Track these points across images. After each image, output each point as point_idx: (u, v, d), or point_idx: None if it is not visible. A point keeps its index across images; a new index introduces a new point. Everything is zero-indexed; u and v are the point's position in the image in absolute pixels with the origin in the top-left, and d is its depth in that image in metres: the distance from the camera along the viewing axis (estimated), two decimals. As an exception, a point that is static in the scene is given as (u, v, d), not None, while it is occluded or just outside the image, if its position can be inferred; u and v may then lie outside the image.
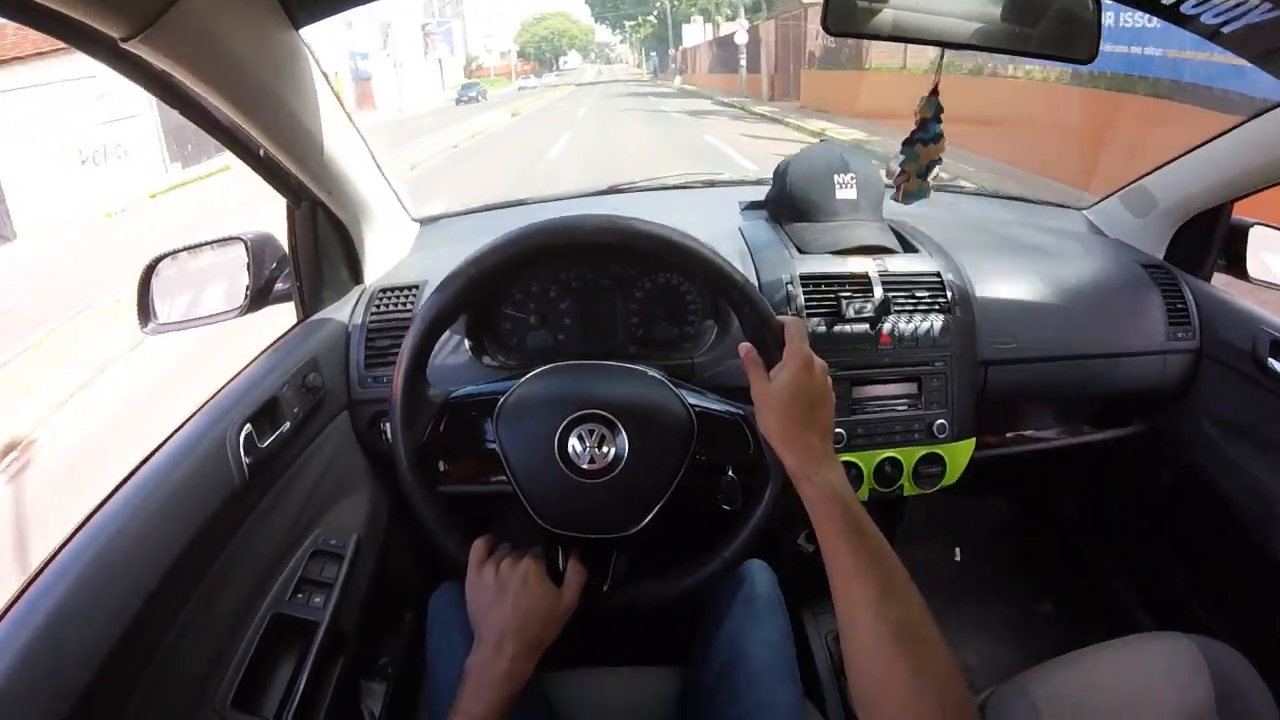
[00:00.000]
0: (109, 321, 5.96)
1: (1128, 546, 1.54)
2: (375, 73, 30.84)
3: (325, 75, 0.95)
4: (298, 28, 0.86)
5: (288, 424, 0.96)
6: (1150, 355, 1.26)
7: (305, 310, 1.14)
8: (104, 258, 8.64)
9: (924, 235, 1.26)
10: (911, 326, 1.13)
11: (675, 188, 1.70)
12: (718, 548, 0.83)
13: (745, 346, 0.78)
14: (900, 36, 0.89)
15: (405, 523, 1.23)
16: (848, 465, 1.12)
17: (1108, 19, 0.86)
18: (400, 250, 1.32)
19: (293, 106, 0.90)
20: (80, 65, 11.81)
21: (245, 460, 0.85)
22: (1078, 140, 7.39)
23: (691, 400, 0.84)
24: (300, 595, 0.93)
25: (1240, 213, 1.31)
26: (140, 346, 5.36)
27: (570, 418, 0.80)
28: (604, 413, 0.80)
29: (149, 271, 1.08)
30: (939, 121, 0.96)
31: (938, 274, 1.16)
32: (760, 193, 1.41)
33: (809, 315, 1.12)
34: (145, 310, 1.07)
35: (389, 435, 0.84)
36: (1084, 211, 1.52)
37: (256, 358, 1.02)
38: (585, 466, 0.79)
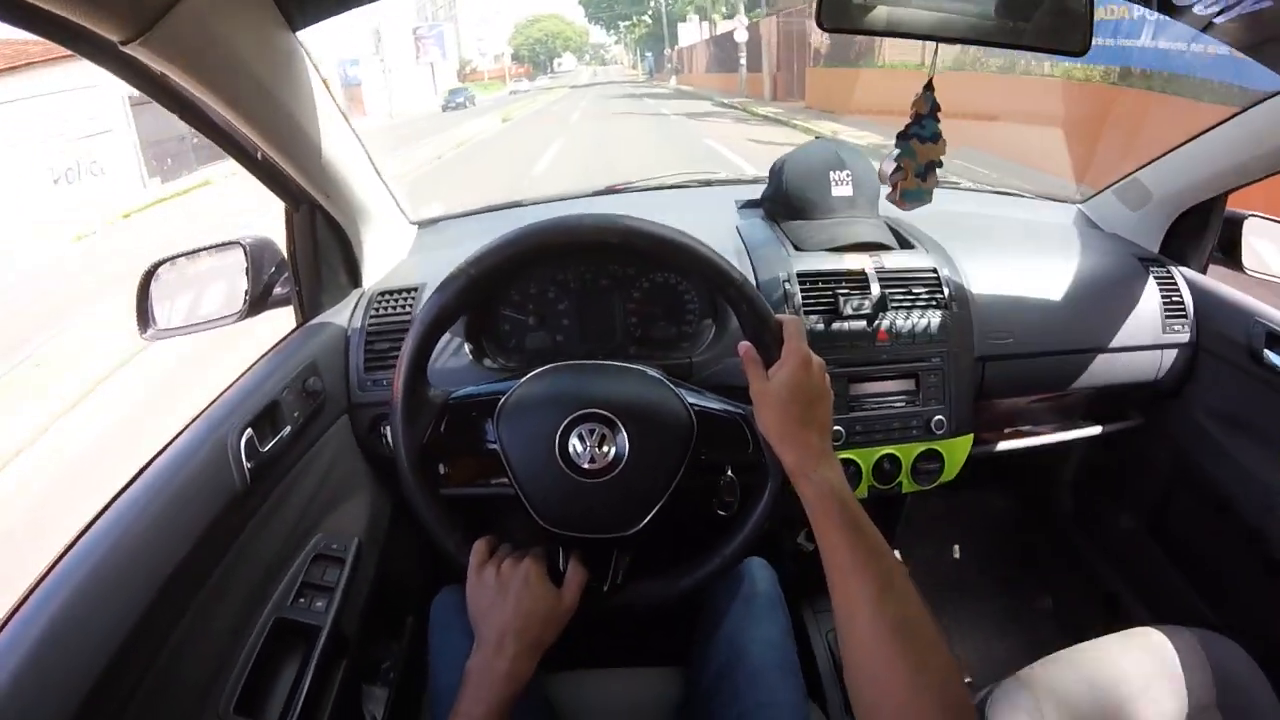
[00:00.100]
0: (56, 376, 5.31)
1: (1125, 540, 1.54)
2: (365, 78, 30.69)
3: (323, 78, 0.96)
4: (295, 30, 0.87)
5: (288, 428, 0.96)
6: (1146, 349, 1.26)
7: (304, 314, 1.14)
8: (56, 295, 7.71)
9: (920, 231, 1.26)
10: (909, 323, 1.13)
11: (672, 187, 1.70)
12: (717, 547, 0.83)
13: (744, 345, 0.78)
14: (894, 31, 0.89)
15: (406, 526, 1.23)
16: (846, 462, 1.12)
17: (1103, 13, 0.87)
18: (398, 253, 1.33)
19: (290, 109, 0.90)
20: (49, 80, 11.47)
21: (246, 464, 0.85)
22: (1124, 140, 7.23)
23: (691, 399, 0.84)
24: (302, 599, 0.93)
25: (1234, 204, 1.31)
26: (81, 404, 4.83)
27: (571, 417, 0.80)
28: (604, 412, 0.80)
29: (148, 277, 1.08)
30: (936, 120, 0.95)
31: (934, 270, 1.16)
32: (756, 191, 1.41)
33: (806, 313, 1.12)
34: (144, 316, 1.07)
35: (389, 438, 0.84)
36: (1079, 205, 1.52)
37: (256, 362, 1.02)
38: (586, 466, 0.79)
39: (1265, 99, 1.05)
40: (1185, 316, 1.26)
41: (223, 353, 3.74)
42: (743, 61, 21.52)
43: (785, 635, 0.93)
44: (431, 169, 12.95)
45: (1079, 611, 1.61)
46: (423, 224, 1.46)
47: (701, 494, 0.85)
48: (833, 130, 11.53)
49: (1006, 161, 7.34)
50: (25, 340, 6.17)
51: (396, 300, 1.17)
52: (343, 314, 1.17)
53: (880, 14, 0.85)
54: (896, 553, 1.09)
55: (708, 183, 1.72)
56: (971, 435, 1.18)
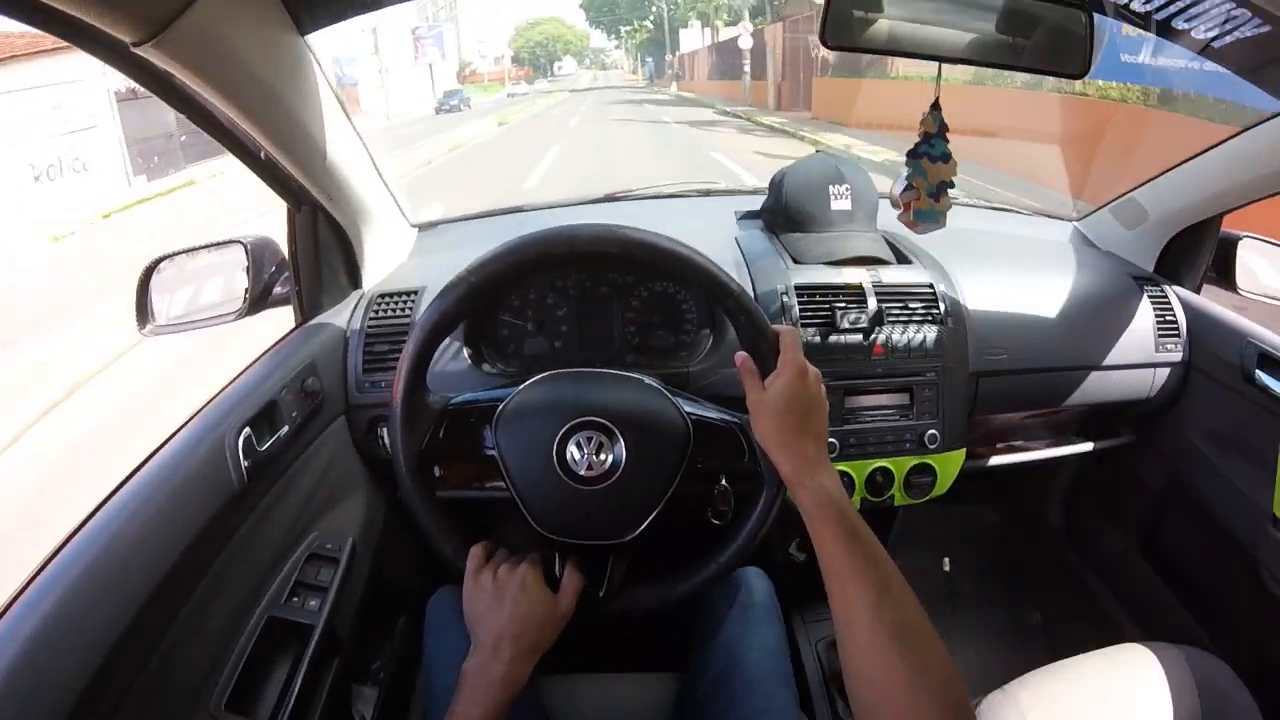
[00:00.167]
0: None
1: (1115, 556, 1.55)
2: (362, 77, 30.45)
3: (329, 81, 0.96)
4: (303, 34, 0.87)
5: (286, 428, 0.96)
6: (1139, 367, 1.27)
7: (304, 314, 1.15)
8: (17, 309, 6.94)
9: (918, 247, 1.27)
10: (904, 337, 1.14)
11: (672, 196, 1.71)
12: (714, 554, 0.84)
13: (741, 355, 0.79)
14: (895, 50, 0.90)
15: (400, 527, 1.23)
16: (839, 474, 1.13)
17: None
18: (399, 255, 1.33)
19: (297, 111, 0.91)
20: (33, 73, 10.98)
21: (244, 463, 0.86)
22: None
23: (688, 408, 0.84)
24: (296, 598, 0.94)
25: (1230, 225, 1.33)
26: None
27: (569, 425, 0.81)
28: (602, 420, 0.81)
29: (148, 272, 1.08)
30: (945, 139, 0.95)
31: (931, 285, 1.17)
32: (756, 202, 1.42)
33: (803, 325, 1.13)
34: (144, 311, 1.07)
35: (386, 440, 0.84)
36: (1076, 223, 1.53)
37: (255, 361, 1.03)
38: (583, 473, 0.80)
39: (1262, 122, 1.06)
40: (1178, 336, 1.27)
41: (205, 370, 3.57)
42: (746, 69, 21.17)
43: (781, 644, 0.94)
44: (421, 175, 12.14)
45: (1067, 626, 1.62)
46: (423, 227, 1.46)
47: (698, 502, 0.85)
48: (845, 144, 11.09)
49: (1039, 185, 7.05)
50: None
51: (396, 303, 1.17)
52: (342, 315, 1.17)
53: (882, 32, 0.86)
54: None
55: (708, 192, 1.73)
56: (964, 450, 1.19)
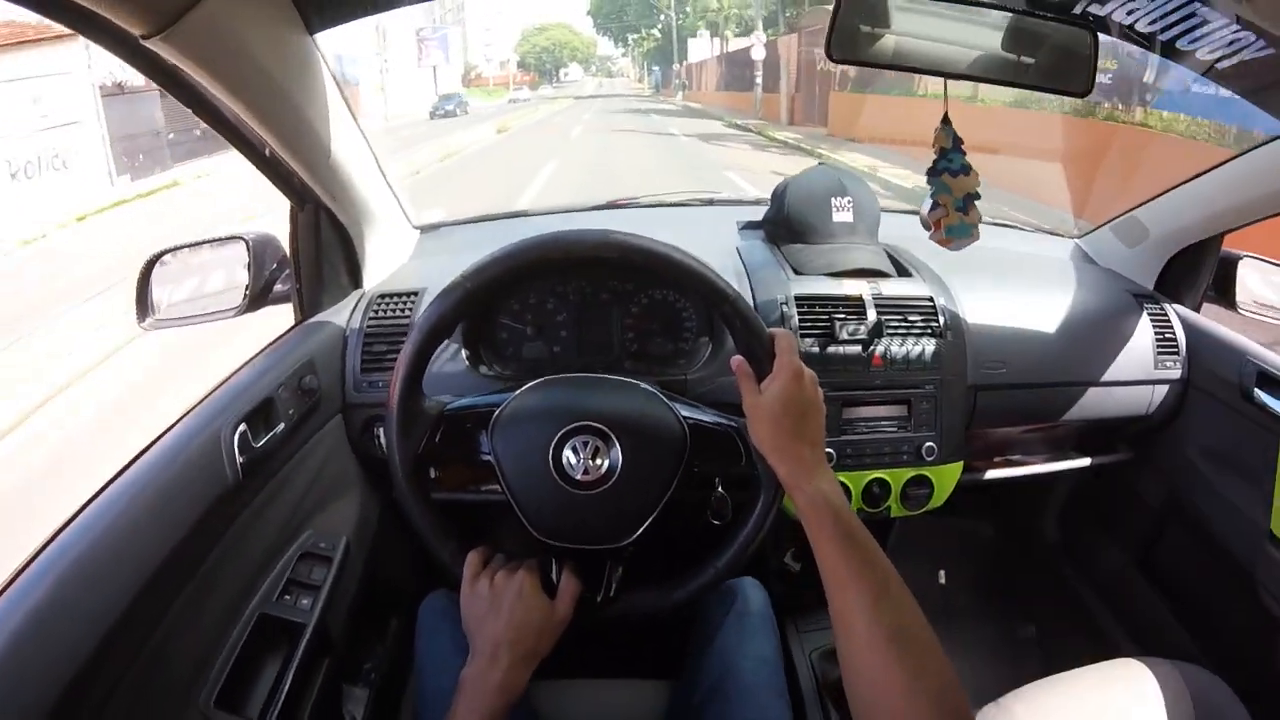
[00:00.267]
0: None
1: (1111, 573, 1.55)
2: (364, 77, 30.23)
3: (336, 80, 0.97)
4: (312, 33, 0.88)
5: (282, 425, 0.96)
6: (1138, 384, 1.27)
7: (303, 312, 1.15)
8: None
9: (918, 260, 1.28)
10: (904, 350, 1.14)
11: (673, 205, 1.72)
12: (711, 559, 0.83)
13: (736, 359, 0.79)
14: (901, 65, 0.91)
15: (395, 528, 1.23)
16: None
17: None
18: (400, 256, 1.33)
19: (303, 110, 0.91)
20: (10, 66, 10.35)
21: (239, 459, 0.85)
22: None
23: (684, 412, 0.84)
24: (288, 596, 0.93)
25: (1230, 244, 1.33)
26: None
27: (565, 430, 0.81)
28: (598, 425, 0.81)
29: (149, 266, 1.08)
30: (962, 152, 0.94)
31: (930, 299, 1.17)
32: (758, 213, 1.43)
33: (803, 336, 1.13)
34: (144, 305, 1.07)
35: (383, 441, 0.84)
36: (1076, 240, 1.54)
37: (253, 358, 1.03)
38: (579, 478, 0.80)
39: (1265, 143, 1.06)
40: (1178, 353, 1.28)
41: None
42: (758, 81, 20.39)
43: (776, 654, 0.94)
44: (405, 185, 11.14)
45: (1063, 642, 1.62)
46: (425, 229, 1.47)
47: (695, 506, 0.85)
48: (870, 166, 10.06)
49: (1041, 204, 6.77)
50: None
51: (396, 303, 1.17)
52: (342, 314, 1.17)
53: (887, 45, 0.87)
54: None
55: (710, 202, 1.73)
56: (961, 463, 1.19)
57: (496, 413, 0.83)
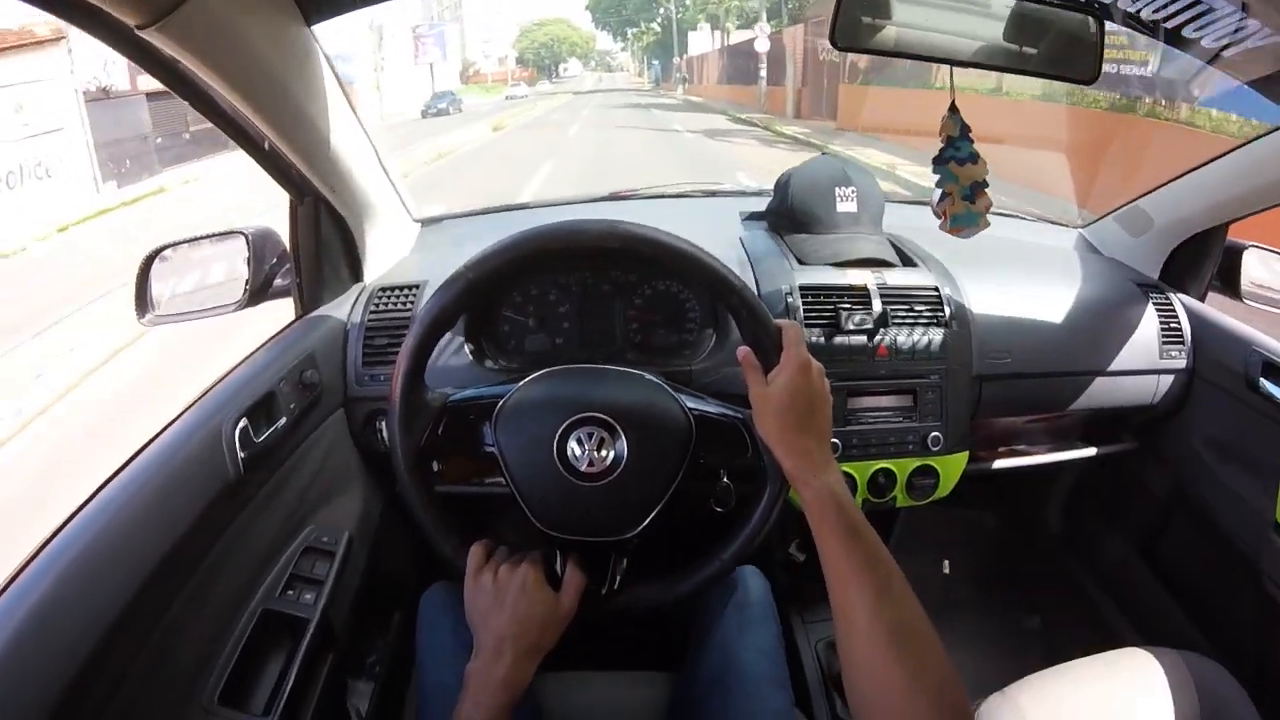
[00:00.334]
0: None
1: (1116, 562, 1.54)
2: (359, 75, 30.00)
3: (335, 72, 0.96)
4: (310, 24, 0.87)
5: (284, 419, 0.95)
6: (1143, 374, 1.27)
7: (304, 306, 1.14)
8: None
9: (923, 250, 1.27)
10: (909, 340, 1.14)
11: (676, 196, 1.71)
12: (716, 551, 0.83)
13: (743, 350, 0.78)
14: (904, 53, 0.90)
15: (397, 522, 1.23)
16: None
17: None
18: (400, 250, 1.33)
19: (302, 102, 0.90)
20: None
21: (240, 454, 0.85)
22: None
23: (690, 403, 0.84)
24: (291, 591, 0.93)
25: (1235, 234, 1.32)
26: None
27: (569, 421, 0.80)
28: (603, 416, 0.80)
29: (149, 261, 1.08)
30: (969, 140, 0.94)
31: (935, 289, 1.17)
32: (761, 204, 1.42)
33: (808, 326, 1.12)
34: (143, 301, 1.07)
35: (385, 435, 0.83)
36: (1081, 230, 1.53)
37: (254, 352, 1.02)
38: (584, 470, 0.79)
39: (1270, 132, 1.06)
40: (1183, 343, 1.27)
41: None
42: (762, 74, 20.13)
43: (777, 644, 0.93)
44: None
45: (1067, 631, 1.61)
46: (426, 222, 1.46)
47: (699, 498, 0.85)
48: (888, 163, 9.78)
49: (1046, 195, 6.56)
50: None
51: (397, 297, 1.17)
52: (343, 308, 1.17)
53: (890, 34, 0.87)
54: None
55: (713, 193, 1.73)
56: (967, 453, 1.19)
57: (500, 404, 0.83)
